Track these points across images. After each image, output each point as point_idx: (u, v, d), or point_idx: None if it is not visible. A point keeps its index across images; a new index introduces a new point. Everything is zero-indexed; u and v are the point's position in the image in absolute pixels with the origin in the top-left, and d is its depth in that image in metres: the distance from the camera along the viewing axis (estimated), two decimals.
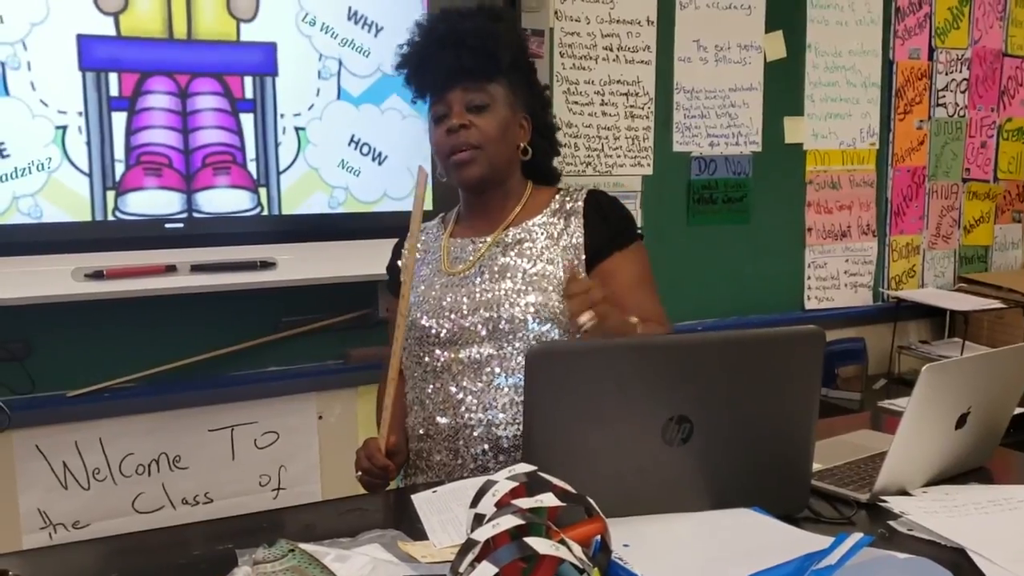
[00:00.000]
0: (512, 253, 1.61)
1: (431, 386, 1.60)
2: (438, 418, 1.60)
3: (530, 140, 1.67)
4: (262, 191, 2.26)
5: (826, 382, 2.95)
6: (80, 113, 2.06)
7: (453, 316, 1.59)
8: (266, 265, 2.22)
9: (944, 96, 3.47)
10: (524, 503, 0.93)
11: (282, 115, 2.25)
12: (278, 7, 2.22)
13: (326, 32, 2.28)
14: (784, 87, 3.14)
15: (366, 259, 2.30)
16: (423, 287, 1.66)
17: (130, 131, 2.11)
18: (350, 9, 2.30)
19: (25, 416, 2.14)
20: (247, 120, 2.22)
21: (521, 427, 1.44)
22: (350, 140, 2.35)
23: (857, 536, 0.96)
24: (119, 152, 2.10)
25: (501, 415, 1.55)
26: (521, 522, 0.90)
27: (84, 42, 2.05)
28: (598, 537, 0.98)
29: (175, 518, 2.30)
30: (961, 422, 1.38)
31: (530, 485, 0.98)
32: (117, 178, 2.11)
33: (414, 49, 1.65)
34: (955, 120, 3.51)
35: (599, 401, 1.17)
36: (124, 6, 2.07)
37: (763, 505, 1.22)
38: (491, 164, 1.60)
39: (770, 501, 1.23)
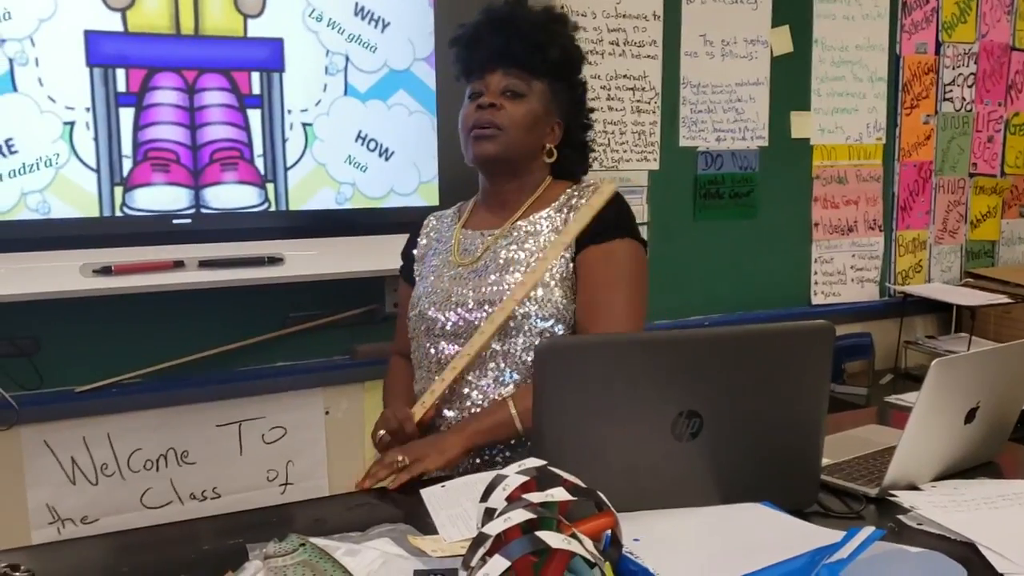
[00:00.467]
0: (516, 247, 1.60)
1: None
2: (445, 411, 1.60)
3: (558, 146, 1.67)
4: (269, 187, 2.26)
5: (833, 377, 2.94)
6: (88, 109, 2.06)
7: (460, 310, 1.59)
8: (273, 261, 2.22)
9: (951, 91, 3.46)
10: (535, 497, 0.93)
11: (289, 111, 2.25)
12: (285, 3, 2.22)
13: (333, 28, 2.28)
14: (791, 82, 3.13)
15: (373, 255, 2.31)
16: (432, 277, 1.66)
17: (138, 127, 2.11)
18: (357, 5, 2.30)
19: (33, 412, 2.15)
20: (254, 116, 2.22)
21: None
22: (357, 136, 2.35)
23: (869, 530, 0.96)
24: (127, 148, 2.11)
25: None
26: (532, 516, 0.90)
27: (92, 38, 2.05)
28: (609, 531, 0.99)
29: (183, 513, 2.30)
30: (970, 417, 1.38)
31: (540, 479, 0.98)
32: (125, 174, 2.12)
33: (471, 27, 1.66)
34: (962, 115, 3.50)
35: (608, 396, 1.17)
36: (131, 2, 2.08)
37: (772, 500, 1.23)
38: (509, 148, 1.60)
39: (779, 496, 1.23)
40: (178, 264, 2.14)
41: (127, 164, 2.11)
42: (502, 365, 1.56)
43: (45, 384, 2.19)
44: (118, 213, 2.12)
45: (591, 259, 1.57)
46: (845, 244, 3.32)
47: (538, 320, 1.54)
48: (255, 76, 2.21)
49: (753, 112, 3.07)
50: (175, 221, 2.17)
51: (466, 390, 1.58)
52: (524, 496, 0.93)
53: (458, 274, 1.63)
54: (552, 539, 0.86)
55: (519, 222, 1.64)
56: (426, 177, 2.44)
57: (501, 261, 1.60)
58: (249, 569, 1.07)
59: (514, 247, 1.61)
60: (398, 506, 1.36)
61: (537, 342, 1.52)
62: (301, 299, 2.42)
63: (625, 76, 2.84)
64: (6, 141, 2.00)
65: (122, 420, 2.24)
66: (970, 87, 3.50)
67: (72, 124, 2.06)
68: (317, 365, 2.49)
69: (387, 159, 2.39)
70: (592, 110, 1.77)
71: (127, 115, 2.10)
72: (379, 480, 1.43)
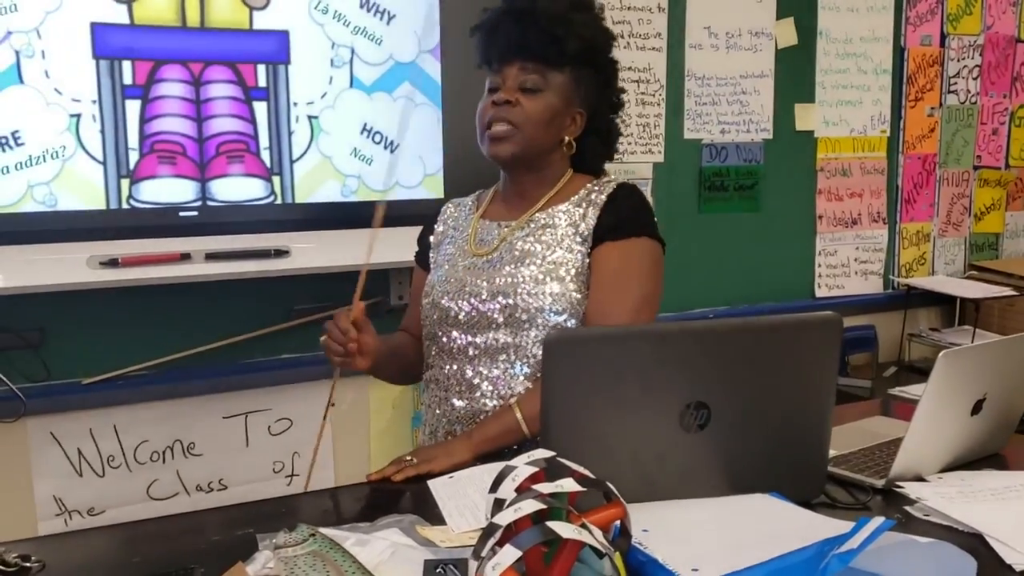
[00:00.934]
0: (533, 239, 1.60)
1: (448, 367, 1.61)
2: (454, 400, 1.60)
3: (580, 136, 1.65)
4: (275, 179, 2.26)
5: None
6: (94, 101, 2.07)
7: (473, 300, 1.59)
8: (280, 253, 2.22)
9: (956, 83, 3.46)
10: (545, 488, 0.93)
11: (295, 104, 2.25)
12: None
13: (339, 20, 2.28)
14: (795, 74, 3.13)
15: (378, 247, 2.30)
16: (447, 266, 1.67)
17: (144, 119, 2.11)
18: None
19: (40, 403, 2.15)
20: (260, 108, 2.22)
21: None
22: (362, 128, 2.35)
23: (879, 520, 0.96)
24: (133, 140, 2.11)
25: None
26: (542, 507, 0.90)
27: (98, 30, 2.05)
28: (618, 522, 0.99)
29: (189, 505, 2.31)
30: (977, 408, 1.38)
31: (549, 470, 0.99)
32: (131, 166, 2.12)
33: (491, 16, 1.63)
34: (967, 107, 3.50)
35: (617, 387, 1.17)
36: None
37: (780, 491, 1.23)
38: (524, 146, 1.58)
39: (786, 487, 1.24)
40: (184, 256, 2.14)
41: (133, 156, 2.12)
42: (512, 357, 1.56)
43: (52, 376, 2.19)
44: (124, 205, 2.12)
45: (607, 255, 1.57)
46: (849, 237, 3.32)
47: (551, 314, 1.53)
48: (261, 68, 2.21)
49: (758, 104, 3.07)
50: (181, 214, 2.17)
51: (476, 380, 1.58)
52: (534, 487, 0.94)
53: (473, 264, 1.63)
54: (563, 529, 0.87)
55: (537, 214, 1.63)
56: (431, 169, 2.44)
57: (517, 253, 1.59)
58: (260, 559, 1.08)
59: (531, 239, 1.60)
60: (406, 497, 1.37)
61: None
62: (307, 291, 2.42)
63: (630, 68, 2.83)
64: (12, 133, 2.01)
65: (128, 412, 2.25)
66: (975, 79, 3.50)
67: (78, 116, 2.06)
68: (323, 357, 2.47)
69: (392, 152, 2.39)
70: (622, 91, 1.71)
71: (133, 107, 2.10)
72: (387, 475, 1.43)
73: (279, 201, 2.27)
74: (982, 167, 3.59)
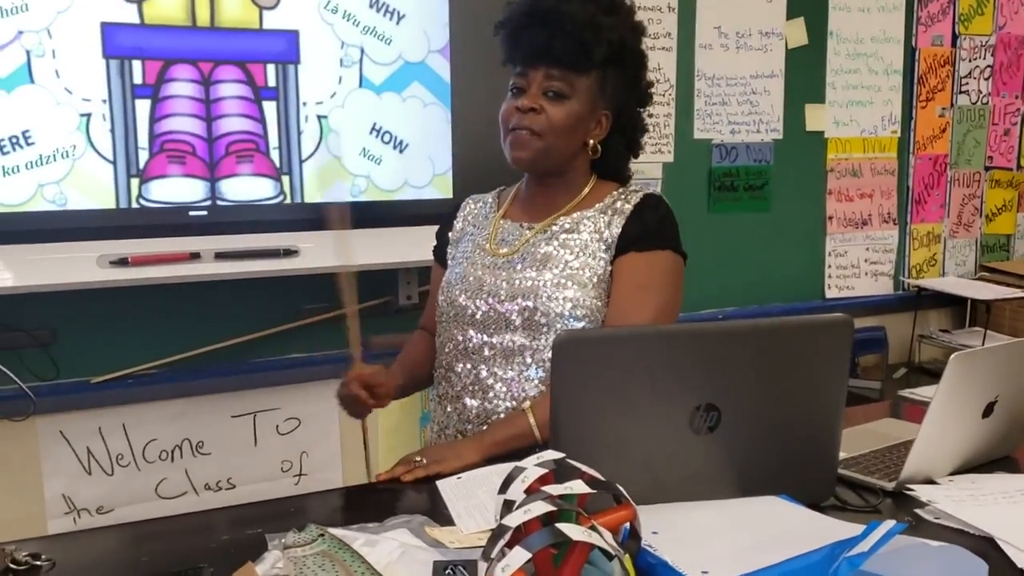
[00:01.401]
0: (556, 243, 1.59)
1: (461, 365, 1.60)
2: (467, 399, 1.60)
3: (606, 137, 1.62)
4: (285, 179, 2.26)
5: None
6: (104, 101, 2.07)
7: (491, 300, 1.58)
8: (289, 253, 2.23)
9: (967, 83, 3.44)
10: (554, 490, 0.93)
11: (304, 103, 2.26)
12: None
13: (348, 20, 2.28)
14: (805, 74, 3.12)
15: (387, 247, 2.31)
16: (466, 264, 1.65)
17: (154, 119, 2.12)
18: None
19: (49, 402, 2.16)
20: (270, 108, 2.22)
21: None
22: (371, 128, 2.35)
23: (891, 523, 0.96)
24: (143, 140, 2.12)
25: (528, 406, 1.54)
26: (552, 509, 0.90)
27: (108, 29, 2.06)
28: (627, 524, 0.99)
29: (198, 503, 2.32)
30: (988, 411, 1.38)
31: (558, 472, 0.98)
32: (141, 166, 2.12)
33: (515, 15, 1.58)
34: (978, 107, 3.49)
35: (627, 389, 1.17)
36: None
37: (790, 493, 1.22)
38: (546, 153, 1.57)
39: (797, 489, 1.23)
40: (194, 256, 2.14)
41: (143, 156, 2.12)
42: (528, 360, 1.55)
43: (61, 375, 2.20)
44: (134, 205, 2.13)
45: (630, 265, 1.56)
46: (859, 237, 3.31)
47: (571, 320, 1.53)
48: (271, 68, 2.21)
49: (768, 105, 3.06)
50: (191, 213, 2.18)
51: (490, 381, 1.57)
52: (543, 488, 0.94)
53: (493, 264, 1.62)
54: (572, 531, 0.86)
55: (561, 219, 1.61)
56: (440, 169, 2.44)
57: (538, 256, 1.58)
58: (269, 559, 1.08)
59: (553, 243, 1.59)
60: (414, 498, 1.37)
61: None
62: (315, 291, 2.42)
63: None
64: (23, 133, 2.01)
65: (138, 411, 2.26)
66: (987, 80, 3.48)
67: (88, 116, 2.06)
68: (331, 357, 2.49)
69: (401, 152, 2.39)
70: (651, 84, 1.68)
71: (143, 107, 2.11)
72: (396, 476, 1.43)
73: (288, 201, 2.27)
74: (993, 168, 3.57)
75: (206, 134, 2.17)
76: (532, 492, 0.94)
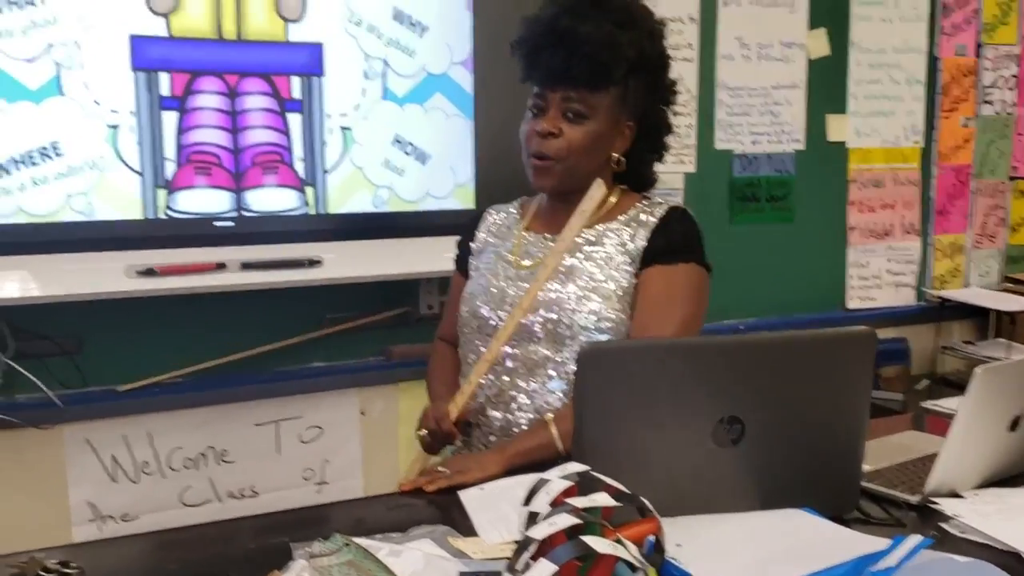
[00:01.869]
0: (580, 255, 1.58)
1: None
2: (489, 410, 1.60)
3: (630, 146, 1.61)
4: (309, 190, 2.28)
5: None
6: (132, 112, 2.10)
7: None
8: (312, 263, 2.24)
9: (991, 93, 3.42)
10: (579, 502, 0.94)
11: (328, 115, 2.28)
12: (325, 8, 2.24)
13: (372, 32, 2.30)
14: (827, 85, 3.11)
15: (409, 257, 2.33)
16: (488, 275, 1.65)
17: (181, 130, 2.14)
18: (395, 9, 2.32)
19: (76, 410, 2.18)
20: (295, 120, 2.25)
21: None
22: (394, 140, 2.36)
23: (917, 538, 0.95)
24: (170, 151, 2.14)
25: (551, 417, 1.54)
26: (577, 521, 0.90)
27: (136, 42, 2.08)
28: (652, 537, 0.99)
29: (222, 511, 2.33)
30: (1015, 424, 1.37)
31: (582, 484, 0.99)
32: (168, 177, 2.15)
33: (532, 35, 1.56)
34: (1002, 117, 3.46)
35: (650, 401, 1.17)
36: (175, 6, 2.11)
37: (813, 506, 1.22)
38: (568, 176, 1.56)
39: (820, 502, 1.23)
40: (220, 266, 2.16)
41: (170, 167, 2.15)
42: (551, 372, 1.55)
43: (88, 383, 2.22)
44: (161, 215, 2.15)
45: (654, 278, 1.55)
46: (881, 248, 3.29)
47: (594, 332, 1.53)
48: (295, 80, 2.24)
49: (789, 115, 3.05)
50: (217, 224, 2.20)
51: (513, 392, 1.58)
52: (568, 501, 0.94)
53: (516, 275, 1.62)
54: (598, 544, 0.87)
55: (584, 232, 1.60)
56: (462, 180, 2.45)
57: (562, 269, 1.58)
58: (294, 568, 1.08)
59: (578, 256, 1.58)
60: (436, 508, 1.37)
61: None
62: (338, 301, 2.44)
63: None
64: (52, 144, 2.04)
65: (163, 419, 2.27)
66: (1011, 90, 3.46)
67: (116, 127, 2.09)
68: (353, 366, 2.50)
69: (424, 163, 2.40)
70: (674, 83, 1.66)
71: (170, 119, 2.13)
72: (419, 485, 1.44)
73: (312, 212, 2.29)
74: (1018, 178, 3.54)
75: (232, 145, 2.19)
76: (557, 504, 0.95)
